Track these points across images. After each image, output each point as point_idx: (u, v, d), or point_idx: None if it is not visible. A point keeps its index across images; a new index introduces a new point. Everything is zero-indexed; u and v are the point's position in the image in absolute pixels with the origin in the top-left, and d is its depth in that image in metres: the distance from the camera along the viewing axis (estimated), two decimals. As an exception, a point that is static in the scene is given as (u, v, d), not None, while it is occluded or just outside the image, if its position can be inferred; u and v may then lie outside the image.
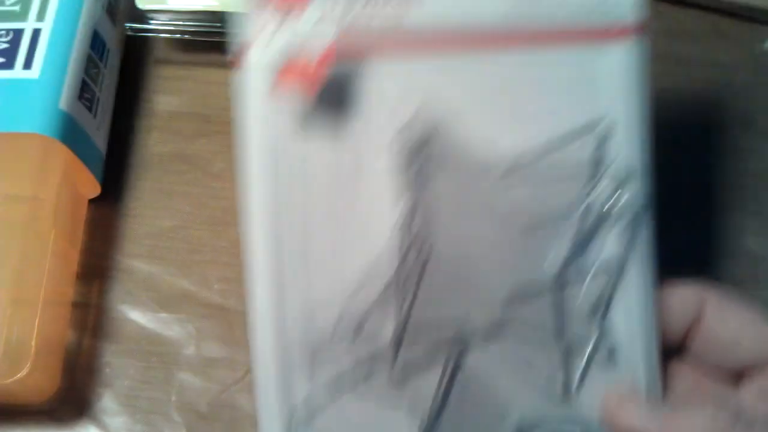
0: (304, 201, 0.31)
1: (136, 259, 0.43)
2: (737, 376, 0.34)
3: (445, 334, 0.32)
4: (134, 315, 0.42)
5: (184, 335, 0.41)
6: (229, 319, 0.42)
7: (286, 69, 0.29)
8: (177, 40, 0.47)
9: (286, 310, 0.31)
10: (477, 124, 0.31)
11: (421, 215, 0.31)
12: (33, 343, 0.36)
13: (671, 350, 0.34)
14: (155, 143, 0.45)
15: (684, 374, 0.34)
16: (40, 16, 0.42)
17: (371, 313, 0.31)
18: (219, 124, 0.46)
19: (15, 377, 0.35)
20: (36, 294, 0.37)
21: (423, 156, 0.31)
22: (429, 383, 0.31)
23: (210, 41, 0.46)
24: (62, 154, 0.39)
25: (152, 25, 0.46)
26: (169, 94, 0.46)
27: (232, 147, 0.45)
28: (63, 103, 0.39)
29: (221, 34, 0.45)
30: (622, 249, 0.32)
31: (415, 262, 0.31)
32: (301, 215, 0.31)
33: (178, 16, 0.45)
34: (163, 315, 0.42)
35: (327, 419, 0.31)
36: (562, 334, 0.32)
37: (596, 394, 0.32)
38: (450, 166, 0.31)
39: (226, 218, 0.43)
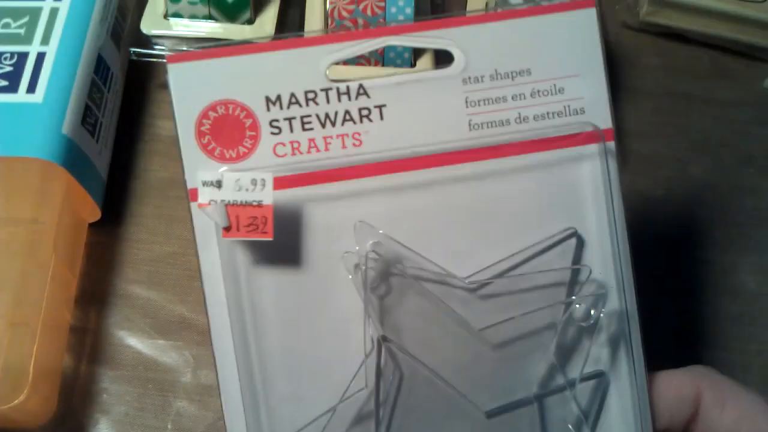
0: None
1: (134, 284, 0.43)
2: None
3: None
4: (132, 341, 0.42)
5: (181, 362, 0.41)
6: (227, 347, 0.42)
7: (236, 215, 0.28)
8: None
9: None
10: (447, 242, 0.30)
11: (391, 338, 0.30)
12: (31, 368, 0.36)
13: None
14: (157, 168, 0.45)
15: None
16: (45, 40, 0.42)
17: None
18: (221, 151, 0.46)
19: (13, 403, 0.35)
20: (35, 318, 0.37)
21: (384, 286, 0.30)
22: None
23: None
24: (63, 178, 0.39)
25: (156, 50, 0.46)
26: (171, 119, 0.46)
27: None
28: (66, 128, 0.40)
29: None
30: (608, 359, 0.31)
31: (389, 389, 0.30)
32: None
33: (183, 42, 0.46)
34: (161, 341, 0.42)
35: None
36: None
37: None
38: (413, 293, 0.30)
39: (226, 245, 0.43)
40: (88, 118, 0.41)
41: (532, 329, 0.31)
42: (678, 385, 0.33)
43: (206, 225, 0.28)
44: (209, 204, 0.28)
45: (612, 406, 0.31)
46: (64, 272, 0.40)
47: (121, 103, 0.46)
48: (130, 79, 0.47)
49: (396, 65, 0.45)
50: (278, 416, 0.30)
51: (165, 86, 0.47)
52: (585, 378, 0.31)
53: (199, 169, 0.28)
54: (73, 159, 0.40)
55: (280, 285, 0.30)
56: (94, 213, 0.43)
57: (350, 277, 0.30)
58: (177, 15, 0.46)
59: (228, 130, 0.29)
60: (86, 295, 0.42)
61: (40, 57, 0.41)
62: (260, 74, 0.29)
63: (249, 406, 0.29)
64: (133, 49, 0.46)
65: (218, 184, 0.28)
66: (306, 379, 0.30)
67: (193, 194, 0.28)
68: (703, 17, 0.51)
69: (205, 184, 0.28)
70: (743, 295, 0.45)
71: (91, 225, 0.43)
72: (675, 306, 0.44)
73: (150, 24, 0.46)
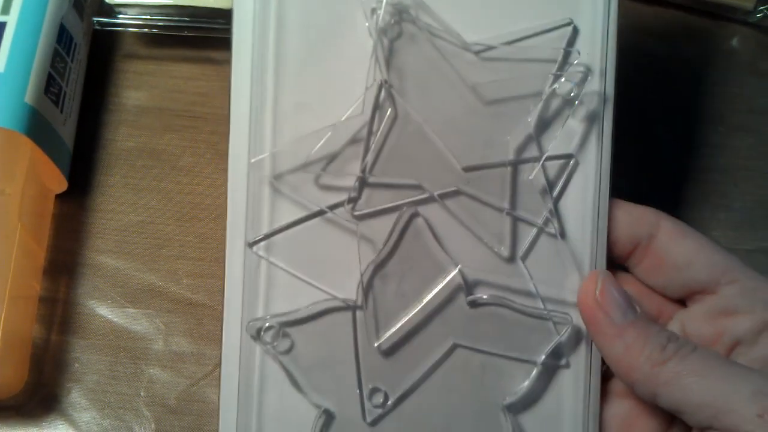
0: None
1: (103, 254, 0.43)
2: (679, 302, 0.36)
3: (406, 186, 0.34)
4: (102, 310, 0.41)
5: (152, 330, 0.41)
6: (198, 314, 0.42)
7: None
8: (145, 34, 0.47)
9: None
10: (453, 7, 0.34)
11: (392, 80, 0.34)
12: (-1, 337, 0.36)
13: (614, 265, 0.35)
14: (123, 138, 0.45)
15: (629, 286, 0.35)
16: (5, 10, 0.41)
17: (340, 154, 0.34)
18: (187, 119, 0.45)
19: (-21, 372, 0.35)
20: (1, 290, 0.37)
21: (396, 29, 0.34)
22: (386, 224, 0.34)
23: (178, 36, 0.46)
24: (27, 148, 0.39)
25: (120, 19, 0.45)
26: (137, 89, 0.46)
27: (200, 142, 0.45)
28: (29, 97, 0.39)
29: (190, 28, 0.45)
30: (581, 136, 0.35)
31: (384, 124, 0.34)
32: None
33: (147, 11, 0.45)
34: (131, 310, 0.42)
35: (287, 237, 0.34)
36: (515, 204, 0.34)
37: (541, 267, 0.34)
38: (422, 40, 0.34)
39: (195, 213, 0.43)
40: (51, 87, 0.41)
41: (522, 93, 0.35)
42: (641, 211, 0.35)
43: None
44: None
45: (576, 184, 0.35)
46: (30, 243, 0.40)
47: (85, 74, 0.46)
48: (94, 49, 0.47)
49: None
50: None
51: (130, 56, 0.47)
52: (555, 157, 0.35)
53: None
54: (37, 128, 0.39)
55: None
56: (60, 184, 0.42)
57: (366, 24, 0.34)
58: (139, -17, 0.45)
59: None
60: (55, 266, 0.42)
61: (1, 27, 0.41)
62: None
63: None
64: (96, 19, 0.45)
65: None
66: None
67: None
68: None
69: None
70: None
71: (58, 196, 0.43)
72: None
73: (112, -8, 0.45)
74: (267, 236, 0.34)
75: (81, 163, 0.44)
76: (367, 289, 0.34)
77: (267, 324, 0.33)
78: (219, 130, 0.45)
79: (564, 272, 0.35)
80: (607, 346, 0.32)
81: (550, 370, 0.35)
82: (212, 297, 0.42)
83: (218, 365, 0.39)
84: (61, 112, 0.42)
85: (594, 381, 0.35)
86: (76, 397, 0.40)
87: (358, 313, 0.34)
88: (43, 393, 0.40)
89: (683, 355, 0.31)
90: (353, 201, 0.34)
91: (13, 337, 0.38)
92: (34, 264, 0.41)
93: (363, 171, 0.34)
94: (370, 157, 0.34)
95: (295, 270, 0.34)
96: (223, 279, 0.34)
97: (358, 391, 0.33)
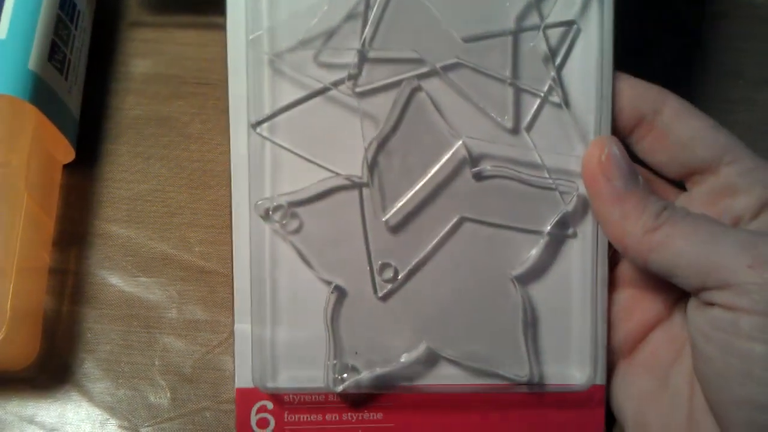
0: None
1: (114, 223, 0.42)
2: (678, 186, 0.36)
3: (407, 60, 0.34)
4: (114, 280, 0.41)
5: (165, 299, 0.41)
6: (211, 282, 0.41)
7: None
8: (150, 1, 0.46)
9: None
10: None
11: None
12: (8, 308, 0.35)
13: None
14: (130, 107, 0.44)
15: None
16: (6, -23, 0.40)
17: (338, 30, 0.34)
18: (195, 86, 0.45)
19: (-11, 341, 0.35)
20: (9, 260, 0.36)
21: None
22: (387, 99, 0.34)
23: (184, 2, 0.45)
24: (32, 116, 0.38)
25: (124, -14, 0.45)
26: (143, 57, 0.45)
27: (208, 108, 0.44)
28: (32, 64, 0.38)
29: (195, -7, 0.44)
30: (582, 2, 0.35)
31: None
32: None
33: (150, -23, 0.44)
34: (144, 279, 0.41)
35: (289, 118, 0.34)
36: (517, 74, 0.34)
37: (545, 137, 0.35)
38: None
39: (205, 180, 0.43)
40: (55, 54, 0.40)
41: None
42: (647, 86, 0.35)
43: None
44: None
45: (578, 51, 0.35)
46: (38, 213, 0.39)
47: (90, 42, 0.45)
48: (100, 17, 0.46)
49: None
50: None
51: (136, 24, 0.46)
52: (556, 24, 0.34)
53: None
54: (42, 96, 0.39)
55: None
56: (68, 153, 0.42)
57: None
58: (142, -52, 0.45)
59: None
60: (65, 237, 0.42)
61: (2, -6, 0.40)
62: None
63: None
64: (99, -14, 0.45)
65: None
66: None
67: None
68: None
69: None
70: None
71: (65, 166, 0.42)
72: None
73: (115, -42, 0.45)
74: (270, 116, 0.34)
75: (88, 132, 0.43)
76: (372, 165, 0.34)
77: (275, 203, 0.33)
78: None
79: (569, 142, 0.35)
80: (604, 211, 0.32)
81: (558, 240, 0.35)
82: (225, 264, 0.41)
83: (232, 333, 0.38)
84: (66, 79, 0.41)
85: (601, 248, 0.35)
86: (89, 367, 0.39)
87: (365, 190, 0.34)
88: (55, 364, 0.39)
89: (675, 220, 0.31)
90: (354, 77, 0.34)
91: (23, 309, 0.37)
92: (44, 235, 0.40)
93: (362, 45, 0.33)
94: (368, 31, 0.33)
95: (300, 150, 0.34)
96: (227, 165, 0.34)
97: (368, 267, 0.34)
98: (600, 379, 0.36)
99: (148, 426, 0.39)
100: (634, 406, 0.35)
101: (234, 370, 0.35)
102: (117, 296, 0.40)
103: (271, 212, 0.34)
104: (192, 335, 0.40)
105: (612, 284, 0.36)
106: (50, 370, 0.39)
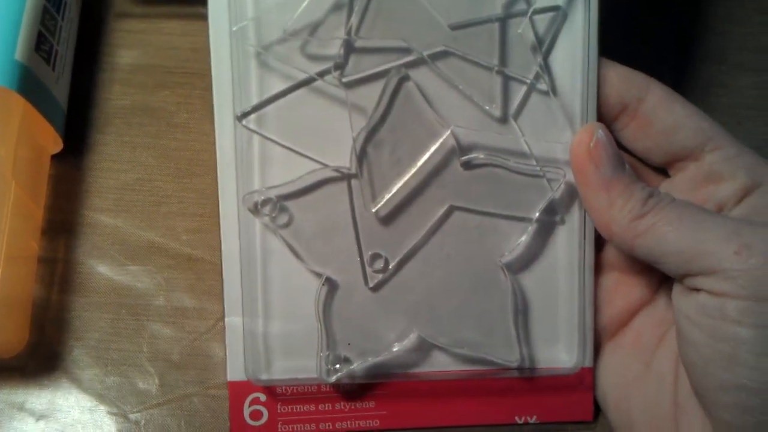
0: None
1: (101, 213, 0.42)
2: (661, 172, 0.36)
3: (394, 49, 0.34)
4: (102, 268, 0.41)
5: (153, 286, 0.41)
6: (198, 270, 0.41)
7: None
8: (136, -7, 0.46)
9: None
10: None
11: None
12: (-4, 296, 0.36)
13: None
14: (117, 97, 0.44)
15: None
16: (-8, -32, 0.41)
17: (324, 21, 0.34)
18: (181, 76, 0.45)
19: (-22, 330, 0.35)
20: (-3, 249, 0.37)
21: None
22: (375, 89, 0.34)
23: (170, -8, 0.45)
24: (20, 106, 0.39)
25: (110, -23, 0.45)
26: (129, 47, 0.46)
27: (195, 98, 0.45)
28: (19, 55, 0.39)
29: (180, -17, 0.45)
30: None
31: None
32: None
33: (136, -33, 0.45)
34: (132, 267, 0.41)
35: (276, 109, 0.34)
36: (504, 62, 0.35)
37: (533, 125, 0.35)
38: None
39: (192, 169, 0.43)
40: (42, 45, 0.40)
41: None
42: (631, 73, 0.35)
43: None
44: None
45: (564, 38, 0.35)
46: (27, 203, 0.40)
47: (77, 34, 0.45)
48: (86, 9, 0.46)
49: None
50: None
51: (122, 15, 0.46)
52: (542, 10, 0.34)
53: None
54: (29, 86, 0.39)
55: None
56: (56, 143, 0.42)
57: None
58: (128, -61, 0.45)
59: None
60: (54, 226, 0.42)
61: (-13, -16, 0.40)
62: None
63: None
64: (85, -23, 0.45)
65: None
66: None
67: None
68: None
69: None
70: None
71: (53, 157, 0.43)
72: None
73: (101, -51, 0.45)
74: (255, 108, 0.34)
75: (76, 122, 0.44)
76: (360, 156, 0.34)
77: (264, 197, 0.34)
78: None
79: (556, 130, 0.35)
80: (591, 197, 0.33)
81: (546, 227, 0.36)
82: (212, 252, 0.41)
83: (220, 319, 0.39)
84: (53, 70, 0.41)
85: (588, 234, 0.35)
86: (78, 354, 0.40)
87: (353, 181, 0.34)
88: (45, 352, 0.40)
89: (661, 207, 0.31)
90: (340, 67, 0.34)
91: (12, 297, 0.37)
92: (32, 224, 0.41)
93: (348, 33, 0.33)
94: (354, 19, 0.33)
95: (287, 142, 0.34)
96: (214, 155, 0.34)
97: (358, 258, 0.34)
98: (588, 362, 0.36)
99: (136, 412, 0.39)
100: (617, 390, 0.36)
101: (225, 360, 0.36)
102: (105, 284, 0.41)
103: (259, 206, 0.34)
104: (180, 322, 0.40)
105: (597, 268, 0.36)
106: (40, 357, 0.39)
